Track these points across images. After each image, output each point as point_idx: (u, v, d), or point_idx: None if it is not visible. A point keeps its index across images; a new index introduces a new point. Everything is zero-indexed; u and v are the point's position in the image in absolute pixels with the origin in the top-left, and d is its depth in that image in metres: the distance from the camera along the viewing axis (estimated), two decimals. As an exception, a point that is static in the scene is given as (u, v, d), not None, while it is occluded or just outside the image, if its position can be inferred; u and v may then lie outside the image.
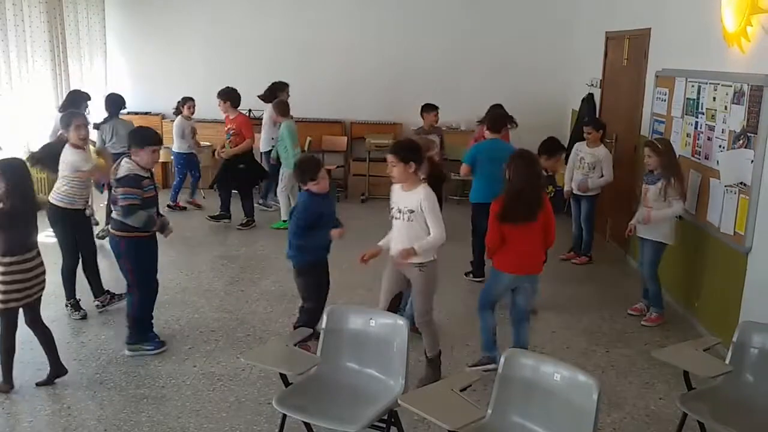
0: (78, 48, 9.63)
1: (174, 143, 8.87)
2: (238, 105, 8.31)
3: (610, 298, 6.18)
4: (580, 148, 7.03)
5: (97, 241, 6.06)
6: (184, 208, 9.05)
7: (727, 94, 5.15)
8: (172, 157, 9.25)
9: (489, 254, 4.70)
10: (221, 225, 8.41)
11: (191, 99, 8.79)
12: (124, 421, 4.09)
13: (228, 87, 8.27)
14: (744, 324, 3.75)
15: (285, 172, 8.07)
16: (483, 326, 4.79)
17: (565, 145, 8.53)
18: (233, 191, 8.43)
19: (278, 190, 8.31)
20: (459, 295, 5.99)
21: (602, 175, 6.83)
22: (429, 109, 8.04)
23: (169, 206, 8.81)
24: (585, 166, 6.87)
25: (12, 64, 8.06)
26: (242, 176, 8.33)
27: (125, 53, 10.62)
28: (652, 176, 5.49)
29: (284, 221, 8.31)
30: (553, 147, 5.75)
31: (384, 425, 3.48)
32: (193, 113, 8.77)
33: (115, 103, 7.51)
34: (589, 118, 7.95)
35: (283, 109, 8.08)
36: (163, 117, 10.41)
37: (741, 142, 4.89)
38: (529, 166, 4.43)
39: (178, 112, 8.86)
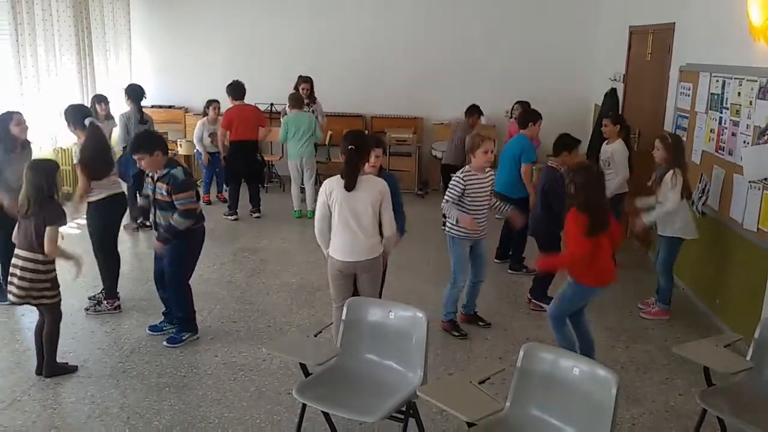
0: (103, 43, 9.75)
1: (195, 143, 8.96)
2: (237, 97, 8.38)
3: (630, 295, 6.14)
4: (602, 148, 6.88)
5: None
6: (209, 203, 9.13)
7: (752, 89, 5.09)
8: (194, 151, 9.34)
9: (576, 267, 4.44)
10: (241, 218, 8.49)
11: (216, 101, 8.82)
12: (147, 409, 4.16)
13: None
14: (766, 320, 3.72)
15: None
16: (562, 339, 4.57)
17: (588, 139, 8.55)
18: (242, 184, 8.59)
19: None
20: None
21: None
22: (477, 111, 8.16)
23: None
24: (601, 164, 6.65)
25: (40, 59, 8.18)
26: (247, 168, 8.49)
27: (149, 48, 10.73)
28: (661, 169, 5.50)
29: (297, 210, 8.51)
30: (571, 142, 5.68)
31: (402, 416, 3.50)
32: (218, 115, 8.79)
33: (134, 92, 7.60)
34: (612, 112, 7.87)
35: (290, 101, 8.34)
36: (186, 110, 10.51)
37: (766, 137, 4.83)
38: (596, 177, 4.41)
39: (204, 113, 8.91)
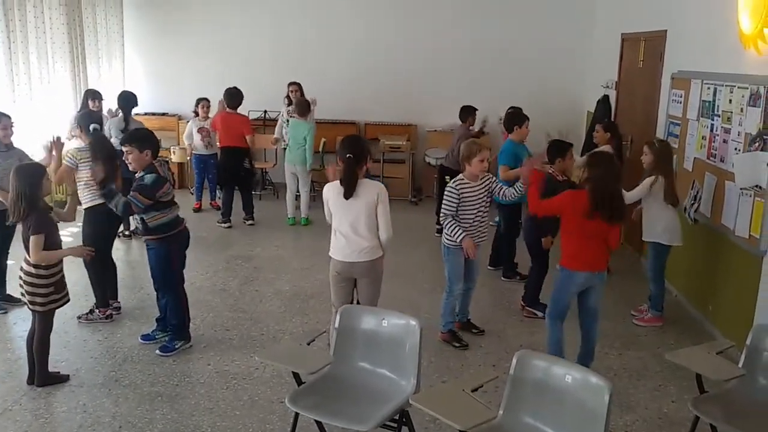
0: (96, 50, 9.72)
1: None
2: (228, 105, 8.42)
3: (623, 302, 6.15)
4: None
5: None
6: (200, 210, 9.14)
7: (743, 97, 5.12)
8: (188, 158, 9.34)
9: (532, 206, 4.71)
10: (235, 225, 8.48)
11: (205, 99, 8.87)
12: (139, 418, 4.14)
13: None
14: (758, 327, 3.75)
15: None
16: (552, 339, 4.65)
17: (581, 147, 8.58)
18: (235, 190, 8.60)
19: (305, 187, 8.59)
20: (473, 296, 5.98)
21: None
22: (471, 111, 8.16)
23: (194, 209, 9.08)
24: None
25: (32, 66, 8.15)
26: (243, 174, 8.52)
27: (142, 55, 10.72)
28: (647, 174, 5.56)
29: (291, 218, 8.62)
30: (562, 147, 5.69)
31: (395, 425, 3.49)
32: (207, 113, 8.83)
33: (126, 99, 7.59)
34: (606, 119, 7.91)
35: (295, 107, 8.42)
36: (180, 118, 10.50)
37: (757, 144, 4.86)
38: (613, 165, 4.42)
39: (195, 113, 8.95)
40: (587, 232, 4.36)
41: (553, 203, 4.57)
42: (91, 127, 5.30)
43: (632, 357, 5.13)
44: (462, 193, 4.96)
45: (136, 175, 4.79)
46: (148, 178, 4.69)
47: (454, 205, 4.96)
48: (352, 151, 4.29)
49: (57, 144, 5.36)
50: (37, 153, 7.93)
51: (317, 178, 9.01)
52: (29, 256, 4.31)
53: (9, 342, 5.16)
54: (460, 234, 4.91)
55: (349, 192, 4.28)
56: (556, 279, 4.64)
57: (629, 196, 5.44)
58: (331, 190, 4.39)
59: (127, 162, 4.76)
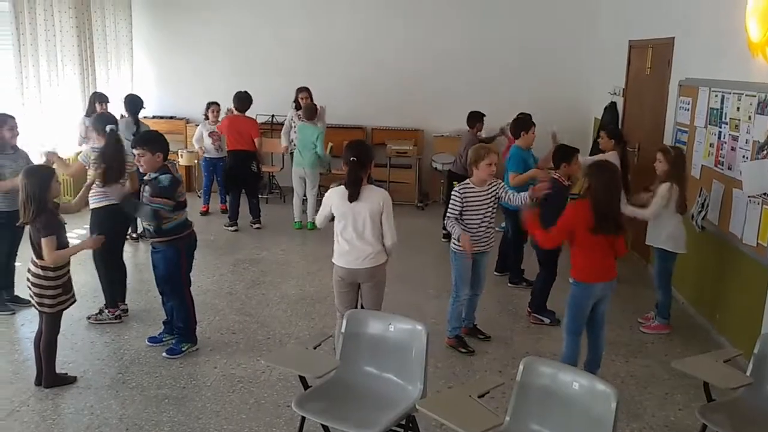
0: (105, 54, 9.77)
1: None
2: (237, 108, 8.47)
3: (630, 309, 6.14)
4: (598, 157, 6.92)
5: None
6: (207, 213, 9.17)
7: (751, 104, 5.12)
8: (196, 161, 9.37)
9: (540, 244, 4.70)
10: (241, 229, 8.50)
11: (215, 103, 8.89)
12: (146, 420, 4.15)
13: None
14: (766, 335, 3.73)
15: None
16: (570, 354, 4.57)
17: (588, 153, 8.57)
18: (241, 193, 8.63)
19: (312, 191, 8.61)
20: (480, 302, 5.98)
21: None
22: (478, 117, 8.13)
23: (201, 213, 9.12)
24: None
25: (42, 69, 8.20)
26: (250, 177, 8.53)
27: (151, 59, 10.77)
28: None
29: (297, 222, 8.65)
30: (567, 152, 5.69)
31: (402, 430, 3.49)
32: (217, 117, 8.87)
33: (132, 103, 7.62)
34: (611, 126, 7.90)
35: (303, 111, 8.46)
36: (188, 121, 10.54)
37: (765, 152, 4.85)
38: (614, 175, 4.38)
39: (206, 117, 8.98)
40: (595, 243, 4.34)
41: (559, 228, 4.47)
42: (108, 128, 5.31)
43: (639, 365, 5.12)
44: (466, 198, 4.96)
45: (145, 177, 4.82)
46: (165, 179, 4.70)
47: (458, 209, 4.97)
48: (356, 155, 4.30)
49: (51, 157, 5.39)
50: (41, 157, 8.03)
51: (323, 182, 9.02)
52: (38, 258, 4.34)
53: (17, 343, 5.19)
54: (458, 231, 4.92)
55: (353, 194, 4.28)
56: (571, 294, 4.54)
57: (648, 213, 5.42)
58: (335, 195, 4.38)
59: (138, 164, 4.80)
